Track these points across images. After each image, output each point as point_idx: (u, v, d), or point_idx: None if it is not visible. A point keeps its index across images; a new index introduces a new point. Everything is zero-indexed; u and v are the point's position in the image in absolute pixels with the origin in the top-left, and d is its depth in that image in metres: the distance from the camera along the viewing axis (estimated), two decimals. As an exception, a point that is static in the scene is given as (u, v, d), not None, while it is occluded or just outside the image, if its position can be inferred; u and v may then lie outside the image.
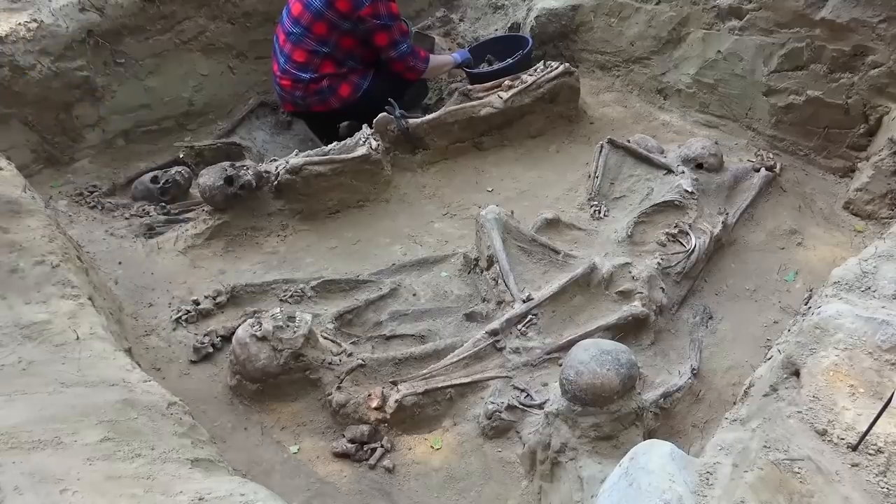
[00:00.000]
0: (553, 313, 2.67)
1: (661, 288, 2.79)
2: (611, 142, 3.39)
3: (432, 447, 2.37)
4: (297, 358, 2.40)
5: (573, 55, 4.34)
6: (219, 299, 2.80)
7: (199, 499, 1.46)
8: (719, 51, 3.71)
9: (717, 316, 2.84)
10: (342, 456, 2.32)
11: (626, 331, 2.64)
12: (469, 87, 3.84)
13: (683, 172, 3.24)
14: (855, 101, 3.34)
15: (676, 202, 3.12)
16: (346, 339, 2.66)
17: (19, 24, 3.34)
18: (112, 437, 1.58)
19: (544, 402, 2.33)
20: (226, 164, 3.14)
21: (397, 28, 3.67)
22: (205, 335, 2.65)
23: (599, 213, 3.20)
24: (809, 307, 1.95)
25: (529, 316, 2.63)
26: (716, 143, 3.48)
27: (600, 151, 3.38)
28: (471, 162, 3.68)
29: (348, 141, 3.38)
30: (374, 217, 3.35)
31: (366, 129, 3.45)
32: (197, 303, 2.77)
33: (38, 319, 1.89)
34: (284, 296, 2.85)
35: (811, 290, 2.23)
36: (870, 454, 1.46)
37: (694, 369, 2.53)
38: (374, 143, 3.36)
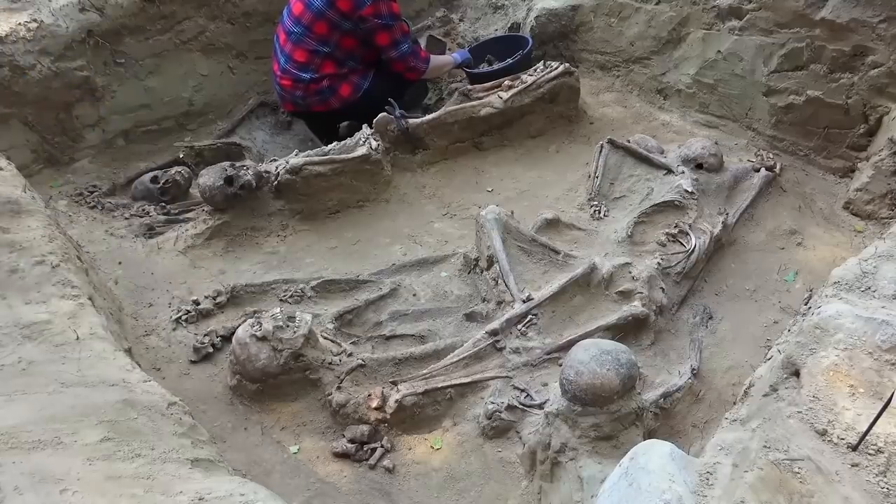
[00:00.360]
0: (553, 313, 2.67)
1: (661, 288, 2.79)
2: (611, 142, 3.39)
3: (432, 447, 2.37)
4: (297, 358, 2.40)
5: (573, 55, 4.34)
6: (219, 299, 2.80)
7: (199, 499, 1.46)
8: (719, 51, 3.71)
9: (717, 316, 2.84)
10: (342, 456, 2.32)
11: (626, 331, 2.64)
12: (469, 87, 3.84)
13: (683, 172, 3.24)
14: (855, 101, 3.34)
15: (676, 202, 3.12)
16: (346, 339, 2.66)
17: (19, 24, 3.34)
18: (112, 437, 1.58)
19: (544, 402, 2.33)
20: (226, 164, 3.14)
21: (398, 28, 3.68)
22: (205, 335, 2.65)
23: (599, 213, 3.20)
24: (809, 307, 1.95)
25: (529, 316, 2.63)
26: (716, 143, 3.48)
27: (600, 151, 3.38)
28: (471, 162, 3.68)
29: (348, 141, 3.39)
30: (374, 217, 3.35)
31: (366, 129, 3.45)
32: (197, 303, 2.77)
33: (38, 319, 1.89)
34: (284, 296, 2.85)
35: (811, 290, 2.23)
36: (870, 454, 1.46)
37: (694, 369, 2.53)
38: (374, 143, 3.36)
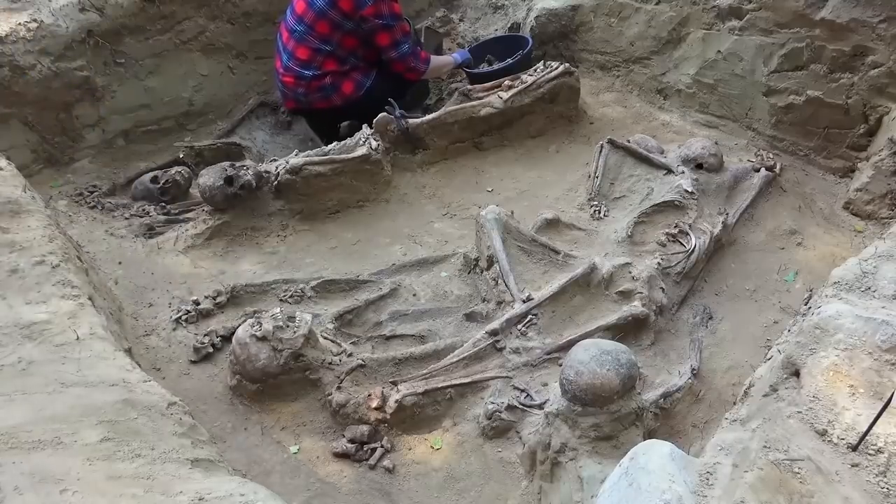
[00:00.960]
0: (553, 313, 2.67)
1: (661, 288, 2.79)
2: (611, 142, 3.39)
3: (432, 447, 2.37)
4: (297, 358, 2.39)
5: (573, 55, 4.34)
6: (219, 299, 2.79)
7: (199, 499, 1.46)
8: (719, 51, 3.71)
9: (717, 316, 2.84)
10: (342, 456, 2.32)
11: (626, 331, 2.64)
12: (469, 87, 3.84)
13: (683, 172, 3.24)
14: (855, 101, 3.34)
15: (676, 202, 3.12)
16: (346, 339, 2.66)
17: (19, 24, 3.34)
18: (112, 437, 1.58)
19: (544, 402, 2.33)
20: (226, 164, 3.14)
21: (399, 28, 3.68)
22: (205, 335, 2.65)
23: (599, 213, 3.20)
24: (809, 307, 1.95)
25: (529, 316, 2.62)
26: (716, 143, 3.48)
27: (600, 151, 3.38)
28: (471, 162, 3.68)
29: (348, 141, 3.39)
30: (374, 217, 3.35)
31: (366, 129, 3.45)
32: (197, 303, 2.77)
33: (38, 319, 1.89)
34: (284, 296, 2.85)
35: (811, 290, 2.23)
36: (870, 454, 1.46)
37: (694, 369, 2.53)
38: (374, 143, 3.36)
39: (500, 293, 2.75)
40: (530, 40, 4.09)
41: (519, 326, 2.60)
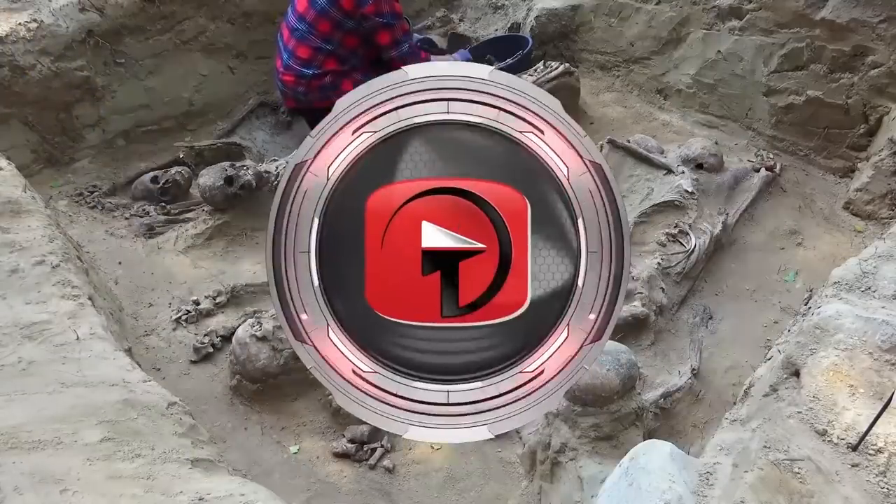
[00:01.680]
0: (553, 313, 2.66)
1: (661, 288, 2.79)
2: (611, 142, 3.39)
3: (432, 447, 2.37)
4: (298, 358, 2.39)
5: (573, 55, 4.34)
6: (219, 299, 2.79)
7: (199, 499, 1.46)
8: (719, 51, 3.71)
9: (717, 316, 2.84)
10: (342, 456, 2.32)
11: (626, 331, 2.63)
12: (469, 87, 3.84)
13: (683, 172, 3.24)
14: (855, 101, 3.34)
15: (676, 202, 3.12)
16: (346, 339, 2.66)
17: (19, 24, 3.34)
18: (112, 437, 1.58)
19: (544, 402, 2.33)
20: (226, 164, 3.14)
21: (400, 27, 3.67)
22: (205, 335, 2.65)
23: (599, 213, 3.20)
24: (809, 307, 1.95)
25: (529, 316, 2.62)
26: (716, 143, 3.48)
27: (600, 151, 3.38)
28: (471, 162, 3.67)
29: (348, 141, 3.38)
30: (374, 217, 3.34)
31: (366, 130, 3.45)
32: (197, 303, 2.77)
33: (38, 319, 1.89)
34: (284, 296, 2.85)
35: (811, 290, 2.23)
36: (870, 454, 1.46)
37: (694, 369, 2.53)
38: (374, 143, 3.36)
39: (500, 293, 2.74)
40: (530, 40, 4.09)
41: (519, 326, 2.60)
